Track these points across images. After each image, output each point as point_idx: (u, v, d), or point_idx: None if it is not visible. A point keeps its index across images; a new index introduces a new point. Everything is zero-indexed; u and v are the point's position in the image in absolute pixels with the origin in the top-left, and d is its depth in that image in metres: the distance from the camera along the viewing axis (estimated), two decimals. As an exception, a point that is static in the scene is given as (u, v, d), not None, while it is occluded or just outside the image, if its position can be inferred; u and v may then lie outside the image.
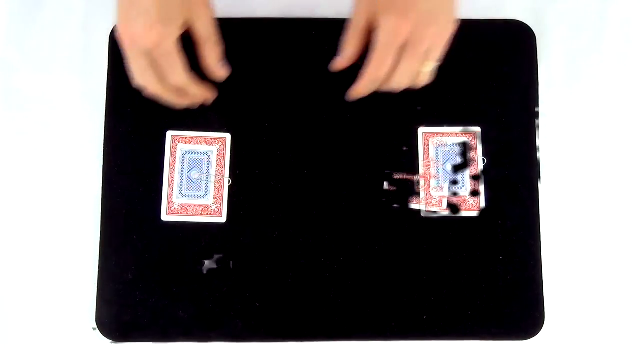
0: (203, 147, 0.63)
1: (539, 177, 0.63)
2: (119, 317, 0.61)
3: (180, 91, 0.55)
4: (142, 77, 0.52)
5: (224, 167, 0.63)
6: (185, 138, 0.63)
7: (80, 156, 0.64)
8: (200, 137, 0.63)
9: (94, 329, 0.60)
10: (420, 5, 0.49)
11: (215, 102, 0.63)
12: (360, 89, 0.54)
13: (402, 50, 0.50)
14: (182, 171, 0.63)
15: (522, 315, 0.61)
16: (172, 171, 0.62)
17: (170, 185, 0.62)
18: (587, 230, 0.63)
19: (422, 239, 0.62)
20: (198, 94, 0.57)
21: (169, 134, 0.63)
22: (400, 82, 0.52)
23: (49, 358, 0.61)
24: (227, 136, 0.63)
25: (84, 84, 0.64)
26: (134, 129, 0.63)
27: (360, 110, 0.63)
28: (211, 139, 0.63)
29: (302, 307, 0.61)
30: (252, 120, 0.63)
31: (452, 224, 0.62)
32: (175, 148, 0.63)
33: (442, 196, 0.62)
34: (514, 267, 0.61)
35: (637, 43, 0.66)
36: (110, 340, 0.61)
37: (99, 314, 0.61)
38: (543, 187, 0.63)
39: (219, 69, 0.56)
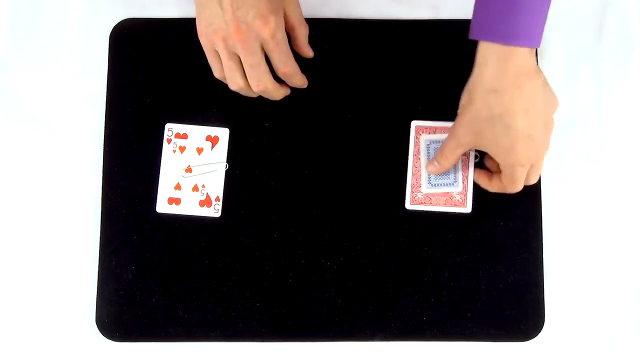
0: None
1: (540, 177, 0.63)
2: (119, 317, 0.61)
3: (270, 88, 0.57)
4: (233, 78, 0.55)
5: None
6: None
7: (80, 156, 0.64)
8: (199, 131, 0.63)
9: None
10: (539, 150, 0.55)
11: (215, 102, 0.63)
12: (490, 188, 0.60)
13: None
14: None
15: (522, 316, 0.61)
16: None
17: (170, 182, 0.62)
18: (588, 231, 0.63)
19: (423, 239, 0.62)
20: (298, 82, 0.59)
21: (168, 126, 0.63)
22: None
23: (49, 358, 0.61)
24: (226, 131, 0.63)
25: (84, 84, 0.64)
26: (134, 129, 0.63)
27: (361, 111, 0.63)
28: (210, 138, 0.63)
29: (302, 307, 0.61)
30: (251, 119, 0.63)
31: (453, 225, 0.62)
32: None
33: (434, 193, 0.62)
34: (514, 268, 0.61)
35: (637, 43, 0.65)
36: (110, 340, 0.61)
37: (99, 313, 0.61)
38: (544, 187, 0.63)
39: (308, 48, 0.60)
